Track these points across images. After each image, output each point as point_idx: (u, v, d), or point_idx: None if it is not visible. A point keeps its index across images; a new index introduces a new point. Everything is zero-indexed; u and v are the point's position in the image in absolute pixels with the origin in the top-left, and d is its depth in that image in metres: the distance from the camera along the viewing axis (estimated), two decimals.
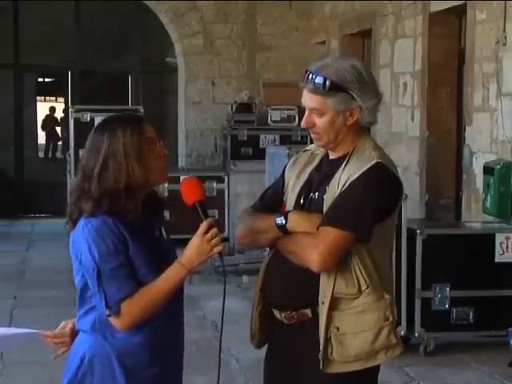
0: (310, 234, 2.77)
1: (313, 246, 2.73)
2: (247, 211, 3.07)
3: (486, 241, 6.14)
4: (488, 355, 6.07)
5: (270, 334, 3.04)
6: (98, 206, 2.67)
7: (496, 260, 6.12)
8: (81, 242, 2.69)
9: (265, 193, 3.14)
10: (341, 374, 2.81)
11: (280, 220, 2.85)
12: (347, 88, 2.79)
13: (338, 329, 2.80)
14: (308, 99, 2.85)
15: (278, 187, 3.06)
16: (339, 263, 2.76)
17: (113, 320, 2.66)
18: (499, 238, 6.13)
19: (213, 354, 6.10)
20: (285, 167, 3.10)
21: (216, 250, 2.66)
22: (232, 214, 10.52)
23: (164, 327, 2.78)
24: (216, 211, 10.50)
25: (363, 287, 2.79)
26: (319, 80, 2.78)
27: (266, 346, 3.11)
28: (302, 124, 2.91)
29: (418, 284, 6.03)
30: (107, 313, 2.65)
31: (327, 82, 2.77)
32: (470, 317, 6.11)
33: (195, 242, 2.67)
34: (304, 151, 3.08)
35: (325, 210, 2.82)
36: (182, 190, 2.78)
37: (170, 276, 2.68)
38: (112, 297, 2.63)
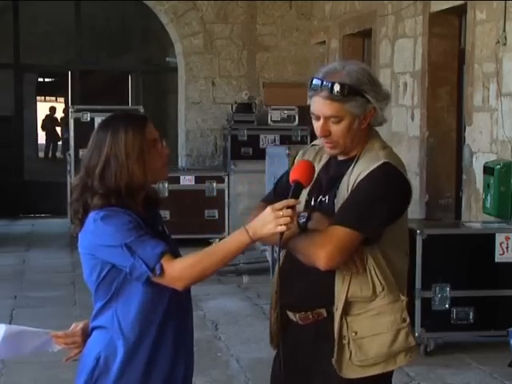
0: (316, 233, 2.75)
1: (319, 244, 2.71)
2: (260, 205, 2.99)
3: (486, 241, 6.14)
4: (488, 355, 6.07)
5: (284, 335, 3.01)
6: (106, 201, 2.68)
7: (496, 260, 6.12)
8: (95, 232, 2.68)
9: (277, 186, 3.07)
10: (357, 379, 2.79)
11: (302, 219, 2.82)
12: (363, 91, 2.77)
13: (356, 333, 2.78)
14: (324, 107, 2.78)
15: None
16: (345, 262, 2.75)
17: (162, 280, 2.64)
18: (499, 237, 6.13)
19: (212, 354, 6.13)
20: (293, 161, 3.06)
21: (280, 229, 2.57)
22: (232, 214, 10.52)
23: (177, 324, 2.79)
24: (216, 211, 10.53)
25: (378, 289, 2.78)
26: (336, 86, 2.74)
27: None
28: (319, 133, 2.83)
29: (418, 284, 6.02)
30: (152, 276, 2.63)
31: (345, 87, 2.74)
32: (470, 317, 6.11)
33: (265, 213, 2.61)
34: (312, 145, 3.06)
35: None
36: (295, 165, 2.81)
37: (230, 237, 2.67)
38: (150, 256, 2.62)
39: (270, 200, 2.98)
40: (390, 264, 2.82)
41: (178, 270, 2.64)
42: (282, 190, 2.98)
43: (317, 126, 2.84)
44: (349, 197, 2.78)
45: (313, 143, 3.08)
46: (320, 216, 2.81)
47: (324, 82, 2.76)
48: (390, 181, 2.79)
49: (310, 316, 2.87)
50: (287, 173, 3.04)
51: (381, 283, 2.78)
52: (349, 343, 2.78)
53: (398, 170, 2.83)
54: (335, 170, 2.90)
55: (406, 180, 2.86)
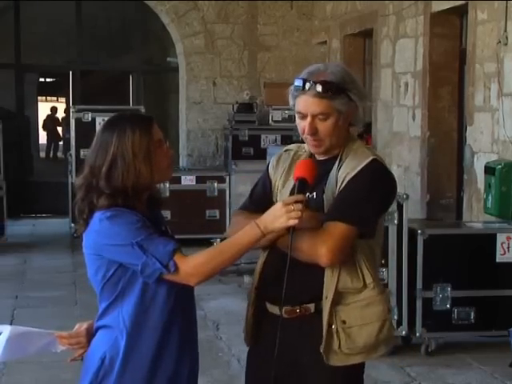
0: (315, 230, 2.78)
1: (320, 242, 2.75)
2: (239, 213, 3.07)
3: (487, 241, 6.14)
4: (489, 355, 6.06)
5: (261, 331, 3.03)
6: (113, 202, 2.68)
7: (497, 260, 6.12)
8: (102, 232, 2.68)
9: (253, 193, 3.13)
10: (338, 367, 2.85)
11: None
12: (347, 89, 2.85)
13: (344, 322, 2.84)
14: (313, 104, 2.86)
15: (266, 187, 3.08)
16: (346, 258, 2.80)
17: (175, 277, 2.65)
18: (500, 238, 6.12)
19: (213, 354, 6.13)
20: (267, 167, 3.12)
21: (291, 222, 2.62)
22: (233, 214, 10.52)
23: (181, 323, 2.80)
24: (217, 211, 10.54)
25: (368, 281, 2.85)
26: (324, 84, 2.82)
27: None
28: (307, 131, 2.89)
29: (419, 284, 6.03)
30: (166, 274, 2.64)
31: (332, 85, 2.82)
32: (471, 317, 6.11)
33: (275, 207, 2.66)
34: (285, 151, 3.11)
35: (326, 208, 2.86)
36: (297, 164, 2.86)
37: (242, 232, 2.68)
38: (163, 254, 2.63)
39: (249, 209, 3.03)
40: (374, 256, 2.92)
41: (192, 266, 2.65)
42: (258, 197, 3.06)
43: (303, 124, 2.91)
44: (343, 193, 2.83)
45: (285, 148, 3.14)
46: (304, 215, 2.81)
47: (311, 82, 2.84)
48: (380, 176, 2.88)
49: (297, 310, 2.89)
50: (261, 180, 3.11)
51: (371, 274, 2.85)
52: (337, 332, 2.83)
53: (385, 165, 2.93)
54: (318, 169, 2.91)
55: (393, 176, 2.96)
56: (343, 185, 2.84)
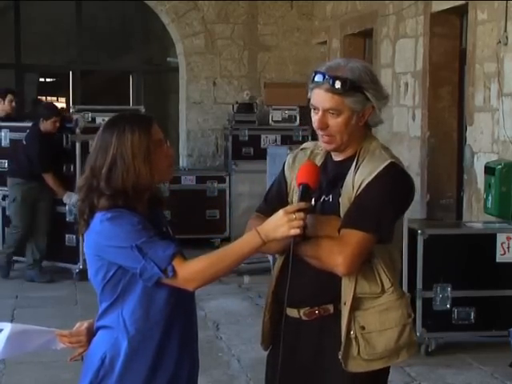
0: (332, 238, 2.75)
1: (337, 250, 2.71)
2: (255, 217, 2.99)
3: (487, 241, 6.14)
4: (489, 355, 6.07)
5: (278, 335, 2.98)
6: (113, 203, 2.68)
7: (497, 260, 6.12)
8: (103, 233, 2.68)
9: (268, 194, 3.09)
10: (360, 373, 2.82)
11: None
12: (364, 88, 2.80)
13: (363, 328, 2.80)
14: (325, 99, 2.80)
15: (282, 187, 3.02)
16: (362, 265, 2.76)
17: (173, 282, 2.64)
18: (500, 238, 6.13)
19: (213, 354, 6.13)
20: (283, 166, 3.06)
21: (293, 232, 2.59)
22: (233, 214, 10.54)
23: (182, 324, 2.79)
24: (217, 211, 10.54)
25: (387, 286, 2.81)
26: (338, 80, 2.77)
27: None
28: (316, 125, 2.85)
29: (420, 284, 6.03)
30: (163, 278, 2.63)
31: (347, 82, 2.77)
32: (472, 317, 6.11)
33: (277, 216, 2.62)
34: (302, 149, 3.05)
35: (342, 213, 2.80)
36: (299, 169, 2.82)
37: (242, 240, 2.67)
38: (162, 258, 2.61)
39: (264, 212, 2.95)
40: (393, 261, 2.87)
41: (191, 272, 2.63)
42: (273, 199, 3.01)
43: (315, 118, 2.86)
44: (360, 199, 2.77)
45: (302, 147, 3.08)
46: (316, 222, 2.77)
47: (326, 76, 2.79)
48: (398, 181, 2.82)
49: (316, 312, 2.86)
50: (277, 181, 3.07)
51: (389, 279, 2.81)
52: (356, 338, 2.80)
53: (404, 169, 2.87)
54: (335, 171, 2.90)
55: (411, 178, 2.90)
56: (360, 190, 2.78)
